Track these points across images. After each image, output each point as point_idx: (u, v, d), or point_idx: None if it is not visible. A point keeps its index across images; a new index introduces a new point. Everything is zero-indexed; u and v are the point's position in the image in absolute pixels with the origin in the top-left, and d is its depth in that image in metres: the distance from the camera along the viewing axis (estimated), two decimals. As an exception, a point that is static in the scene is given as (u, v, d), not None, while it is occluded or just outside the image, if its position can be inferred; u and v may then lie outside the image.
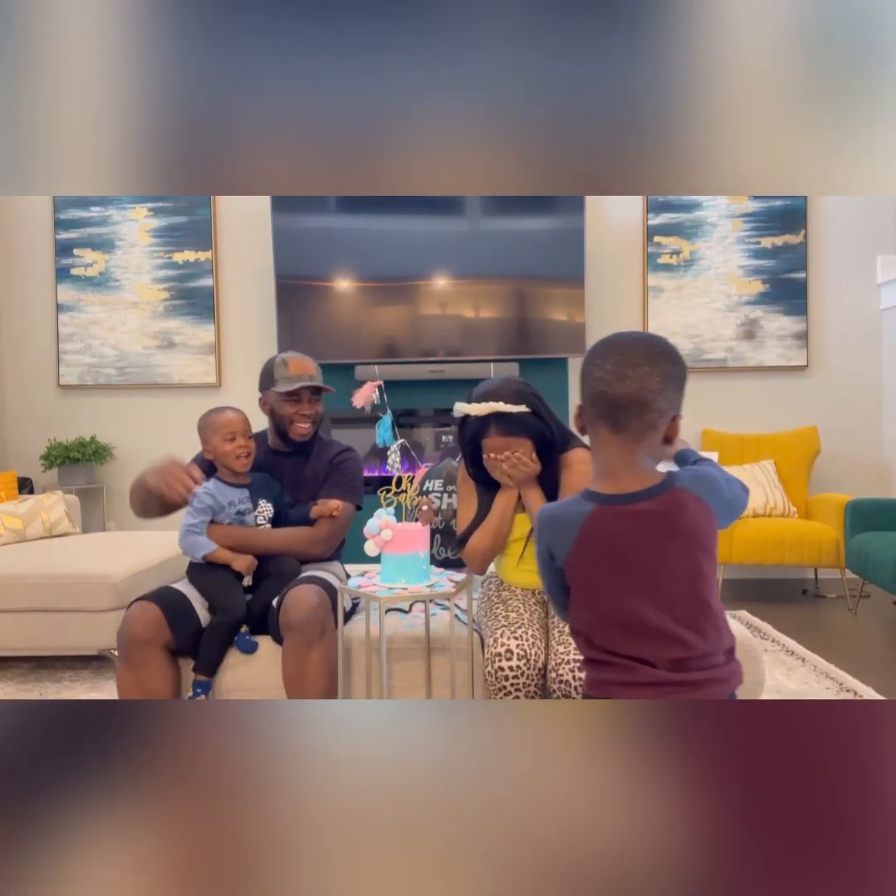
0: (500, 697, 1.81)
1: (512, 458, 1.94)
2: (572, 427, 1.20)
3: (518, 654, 1.81)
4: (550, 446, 1.98)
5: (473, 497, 2.10)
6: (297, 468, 2.33)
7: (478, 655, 2.08)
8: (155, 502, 2.11)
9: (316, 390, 2.29)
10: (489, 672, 1.82)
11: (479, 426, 1.96)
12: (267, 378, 2.30)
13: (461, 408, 1.99)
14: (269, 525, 2.20)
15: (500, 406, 1.91)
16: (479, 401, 1.95)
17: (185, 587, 2.11)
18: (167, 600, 2.02)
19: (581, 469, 1.98)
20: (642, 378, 1.13)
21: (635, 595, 1.15)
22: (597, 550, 1.16)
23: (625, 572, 1.15)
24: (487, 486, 2.06)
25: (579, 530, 1.17)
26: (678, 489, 1.16)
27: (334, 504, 2.20)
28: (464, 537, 2.09)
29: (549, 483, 2.01)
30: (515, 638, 1.84)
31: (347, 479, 2.33)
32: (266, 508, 2.21)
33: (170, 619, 1.98)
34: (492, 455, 1.96)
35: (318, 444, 2.38)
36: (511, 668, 1.79)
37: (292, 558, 2.20)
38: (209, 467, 2.21)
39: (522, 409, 1.92)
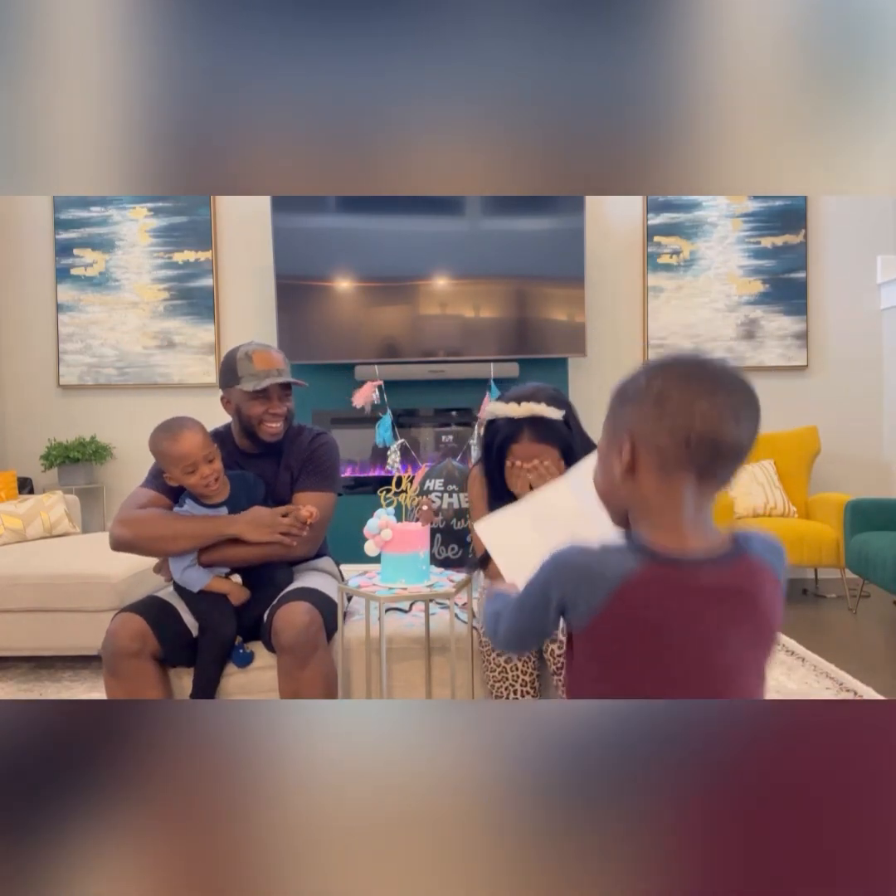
0: (494, 659, 1.83)
1: (540, 467, 1.81)
2: (615, 464, 0.97)
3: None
4: (574, 459, 1.84)
5: (485, 508, 1.97)
6: (272, 469, 2.15)
7: (478, 654, 2.08)
8: (204, 544, 1.97)
9: (286, 386, 2.08)
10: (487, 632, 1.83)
11: (511, 430, 1.85)
12: (230, 374, 2.07)
13: (498, 409, 1.87)
14: None
15: (542, 408, 1.81)
16: (516, 402, 1.84)
17: (171, 596, 2.04)
18: (152, 610, 1.95)
19: None
20: (754, 422, 0.92)
21: (672, 686, 0.91)
22: (634, 621, 0.91)
23: (665, 655, 0.91)
24: (502, 497, 1.90)
25: (616, 590, 0.90)
26: (753, 558, 0.93)
27: (306, 513, 2.00)
28: (485, 559, 1.94)
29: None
30: None
31: (323, 467, 2.13)
32: None
33: (156, 629, 1.91)
34: (518, 463, 1.83)
35: (289, 436, 2.17)
36: None
37: (285, 565, 2.12)
38: (174, 488, 2.04)
39: (560, 414, 1.83)
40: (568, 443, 1.86)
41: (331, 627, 2.00)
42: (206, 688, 1.97)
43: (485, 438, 1.93)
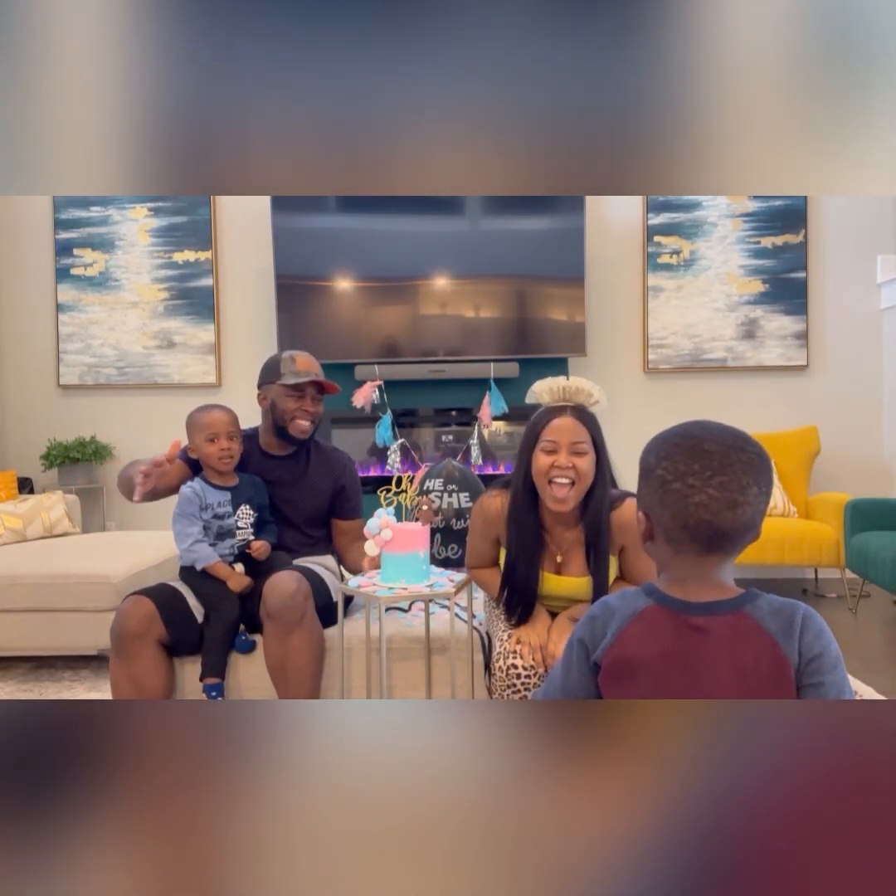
0: (507, 696, 1.78)
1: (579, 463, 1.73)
2: (639, 528, 1.06)
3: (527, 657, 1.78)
4: (601, 462, 1.80)
5: (492, 551, 1.95)
6: (295, 472, 2.29)
7: (478, 655, 2.08)
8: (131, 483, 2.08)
9: (320, 390, 2.25)
10: (500, 668, 1.79)
11: (554, 410, 1.77)
12: (272, 372, 2.25)
13: (544, 383, 1.81)
14: (251, 530, 2.17)
15: (587, 384, 1.78)
16: (565, 376, 1.81)
17: (180, 584, 2.11)
18: (161, 595, 2.01)
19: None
20: (753, 501, 0.96)
21: None
22: (636, 651, 1.01)
23: (657, 685, 0.99)
24: (525, 547, 1.84)
25: (626, 624, 1.03)
26: (747, 616, 0.99)
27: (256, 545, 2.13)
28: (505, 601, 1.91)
29: (592, 529, 1.81)
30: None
31: (358, 496, 2.37)
32: (247, 514, 2.16)
33: (163, 613, 1.98)
34: (554, 440, 1.74)
35: (315, 448, 2.34)
36: (524, 668, 1.77)
37: (285, 555, 2.20)
38: (194, 464, 2.19)
39: (597, 406, 1.80)
40: (599, 446, 1.79)
41: (320, 602, 2.06)
42: (216, 662, 2.02)
43: (526, 429, 1.82)
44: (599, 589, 1.81)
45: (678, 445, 0.99)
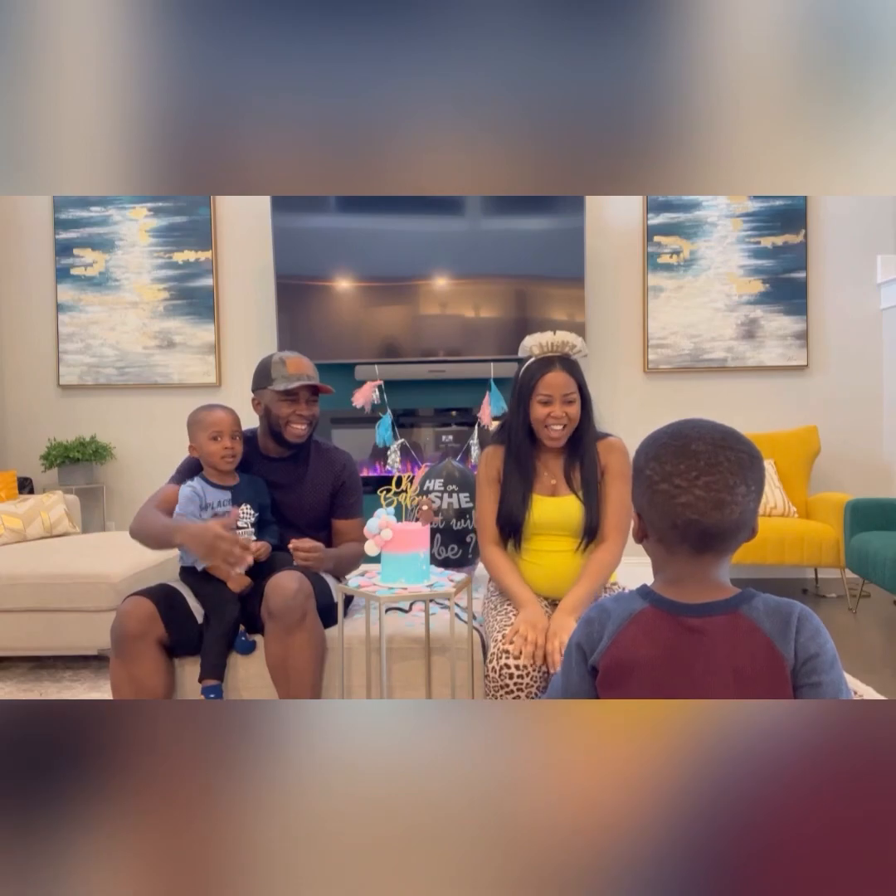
0: (501, 696, 1.77)
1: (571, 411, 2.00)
2: (632, 529, 1.10)
3: (525, 653, 1.79)
4: (586, 408, 2.07)
5: (495, 493, 2.09)
6: (295, 474, 2.27)
7: (478, 655, 2.08)
8: (167, 546, 2.05)
9: (314, 392, 2.23)
10: (493, 668, 1.78)
11: (544, 364, 2.02)
12: (263, 377, 2.22)
13: (533, 337, 2.05)
14: (251, 530, 2.15)
15: (573, 337, 2.03)
16: (552, 332, 2.07)
17: (180, 585, 2.10)
18: (161, 596, 2.01)
19: (625, 460, 2.07)
20: (742, 500, 0.96)
21: None
22: (632, 653, 1.02)
23: (653, 687, 1.00)
24: (521, 470, 2.05)
25: (623, 626, 1.03)
26: (742, 616, 0.99)
27: (255, 546, 2.07)
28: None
29: (577, 462, 2.06)
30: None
31: (357, 495, 2.35)
32: (248, 514, 2.15)
33: (164, 614, 1.97)
34: (548, 394, 1.99)
35: (315, 448, 2.32)
36: (517, 668, 1.76)
37: (287, 556, 2.17)
38: (197, 465, 2.19)
39: (582, 353, 2.05)
40: (583, 388, 2.05)
41: (321, 603, 2.06)
42: (216, 664, 2.02)
43: (519, 381, 2.06)
44: (590, 505, 2.02)
45: (666, 445, 1.00)
